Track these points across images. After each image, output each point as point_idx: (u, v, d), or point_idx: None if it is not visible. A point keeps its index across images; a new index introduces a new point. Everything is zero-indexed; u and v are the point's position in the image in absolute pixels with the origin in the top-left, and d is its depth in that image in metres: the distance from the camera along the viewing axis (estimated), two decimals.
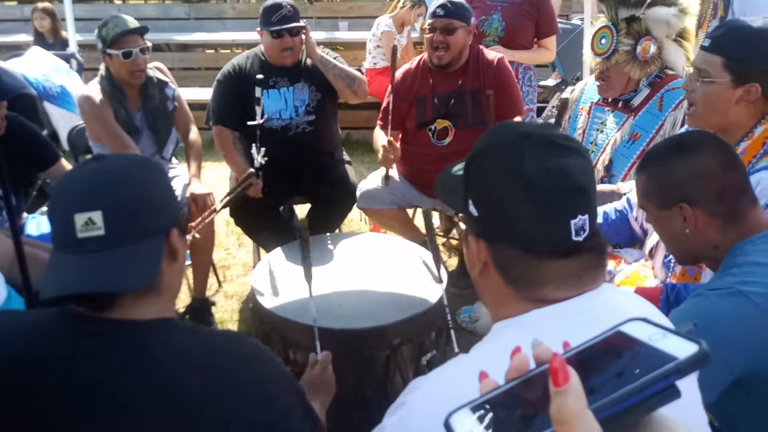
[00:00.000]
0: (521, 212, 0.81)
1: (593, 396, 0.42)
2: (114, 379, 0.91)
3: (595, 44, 2.31)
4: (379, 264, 2.18)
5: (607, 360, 0.46)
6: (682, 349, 0.44)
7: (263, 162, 2.41)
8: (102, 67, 2.63)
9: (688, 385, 0.85)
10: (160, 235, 0.99)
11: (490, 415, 0.45)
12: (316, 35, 5.93)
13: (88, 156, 3.17)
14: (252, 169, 2.34)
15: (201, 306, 2.81)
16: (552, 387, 0.41)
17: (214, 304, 2.94)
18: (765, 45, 1.59)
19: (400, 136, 2.92)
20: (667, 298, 1.54)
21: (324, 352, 1.54)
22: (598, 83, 2.37)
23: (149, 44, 2.62)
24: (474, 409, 0.46)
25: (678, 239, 1.36)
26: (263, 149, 2.42)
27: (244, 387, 0.96)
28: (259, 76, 2.52)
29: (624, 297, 0.94)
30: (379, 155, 2.67)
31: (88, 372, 0.91)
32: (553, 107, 4.85)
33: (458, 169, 0.97)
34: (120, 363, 0.92)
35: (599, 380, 0.44)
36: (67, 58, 4.35)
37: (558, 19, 5.32)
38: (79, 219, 0.93)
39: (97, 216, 0.93)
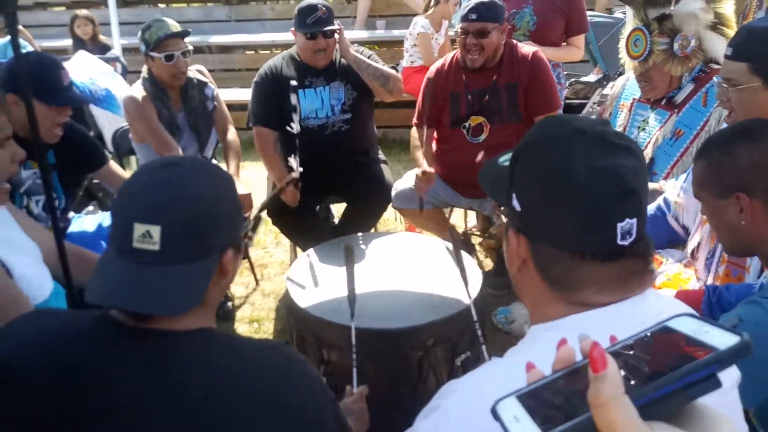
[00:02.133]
0: (566, 212, 0.79)
1: (635, 384, 0.44)
2: (151, 388, 0.91)
3: (630, 48, 2.25)
4: (413, 264, 2.17)
5: (655, 352, 0.48)
6: (723, 340, 0.45)
7: (300, 170, 2.46)
8: (144, 68, 2.71)
9: (729, 392, 0.82)
10: (213, 256, 0.98)
11: (536, 402, 0.47)
12: (354, 34, 5.95)
13: (132, 157, 3.27)
14: (295, 174, 2.36)
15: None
16: (591, 373, 0.43)
17: (231, 300, 3.01)
18: None
19: (435, 135, 2.91)
20: (709, 300, 1.50)
21: (360, 387, 1.51)
22: (640, 85, 2.31)
23: (190, 47, 2.68)
24: (520, 398, 0.48)
25: (732, 230, 1.32)
26: (298, 159, 2.47)
27: (280, 399, 0.95)
28: (293, 83, 2.55)
29: (668, 304, 0.90)
30: (414, 179, 2.66)
31: (125, 382, 0.91)
32: (594, 104, 4.75)
33: (505, 159, 0.94)
34: (158, 372, 0.92)
35: (643, 370, 0.46)
36: (111, 62, 4.48)
37: (600, 13, 5.23)
38: (138, 229, 0.92)
39: (155, 231, 0.92)
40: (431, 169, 2.63)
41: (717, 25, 2.16)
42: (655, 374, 0.45)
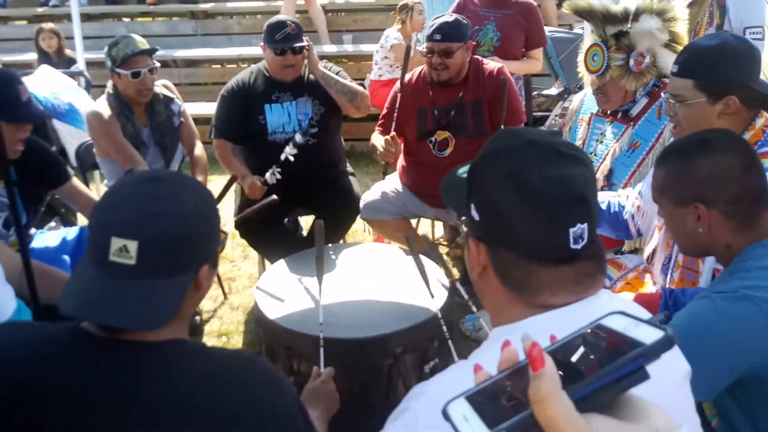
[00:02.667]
0: (521, 219, 0.83)
1: (571, 379, 0.48)
2: (125, 399, 0.91)
3: (588, 62, 2.33)
4: (382, 274, 2.20)
5: (587, 349, 0.51)
6: (650, 335, 0.49)
7: (276, 179, 2.62)
8: (109, 84, 2.69)
9: (680, 385, 0.87)
10: (190, 272, 0.98)
11: (483, 401, 0.50)
12: (322, 49, 5.99)
13: (96, 172, 3.23)
14: (275, 196, 2.51)
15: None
16: (531, 372, 0.47)
17: (199, 314, 2.99)
18: (725, 60, 1.65)
19: (402, 146, 2.95)
20: (665, 303, 1.55)
21: (328, 368, 1.54)
22: (596, 97, 2.39)
23: (157, 64, 2.68)
24: (468, 398, 0.51)
25: (689, 236, 1.36)
26: (277, 170, 2.61)
27: (253, 408, 0.96)
28: (298, 138, 2.62)
29: (621, 303, 0.95)
30: (380, 148, 2.68)
31: (100, 392, 0.92)
32: (556, 116, 4.87)
33: (463, 171, 0.98)
34: (132, 383, 0.93)
35: (579, 366, 0.50)
36: (75, 76, 4.42)
37: (560, 29, 5.38)
38: (115, 243, 0.92)
39: (132, 246, 0.92)
40: (392, 134, 2.66)
41: (670, 42, 2.25)
42: (589, 369, 0.48)
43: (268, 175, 2.62)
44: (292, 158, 2.57)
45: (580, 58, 2.39)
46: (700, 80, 1.65)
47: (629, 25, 2.24)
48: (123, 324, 0.93)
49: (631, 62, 2.24)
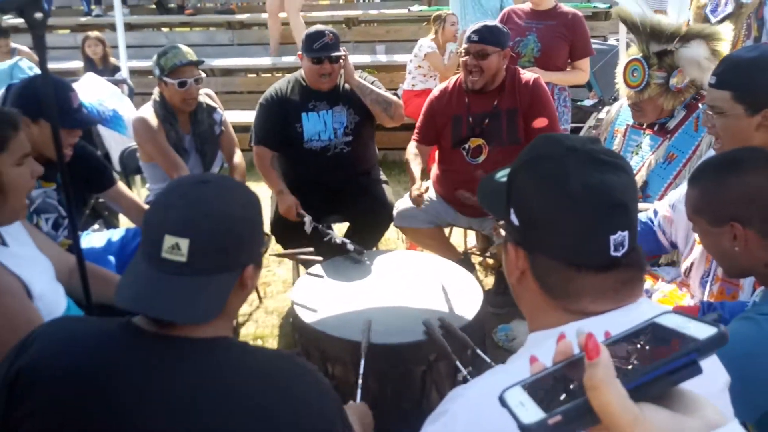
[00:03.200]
0: (561, 225, 0.83)
1: (625, 370, 0.50)
2: (172, 393, 0.95)
3: (627, 77, 2.30)
4: (415, 281, 2.22)
5: (643, 344, 0.54)
6: (703, 332, 0.51)
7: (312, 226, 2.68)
8: (156, 91, 2.79)
9: (719, 394, 0.87)
10: (236, 271, 1.02)
11: (539, 389, 0.53)
12: (355, 59, 6.06)
13: (138, 177, 3.32)
14: (313, 253, 2.43)
15: None
16: (586, 361, 0.49)
17: (235, 318, 3.02)
18: (763, 74, 1.63)
19: (437, 155, 2.97)
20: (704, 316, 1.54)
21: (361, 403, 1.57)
22: (632, 111, 2.37)
23: (203, 75, 2.77)
24: (525, 386, 0.54)
25: (727, 255, 1.35)
26: (313, 223, 2.69)
27: (296, 403, 0.99)
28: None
29: (661, 311, 0.95)
30: (413, 190, 2.68)
31: (148, 385, 0.96)
32: (590, 127, 4.84)
33: (501, 176, 0.99)
34: (178, 378, 0.97)
35: (633, 358, 0.52)
36: (118, 83, 4.56)
37: (595, 40, 5.35)
38: (168, 241, 0.97)
39: (184, 244, 0.97)
40: (424, 188, 2.65)
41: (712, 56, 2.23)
42: (643, 361, 0.51)
43: (307, 220, 2.69)
44: (335, 239, 2.55)
45: (619, 69, 2.38)
46: (738, 92, 1.64)
47: (675, 45, 2.21)
48: (173, 318, 0.98)
49: (672, 81, 2.21)
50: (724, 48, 2.18)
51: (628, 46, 2.94)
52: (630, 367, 0.51)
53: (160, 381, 0.96)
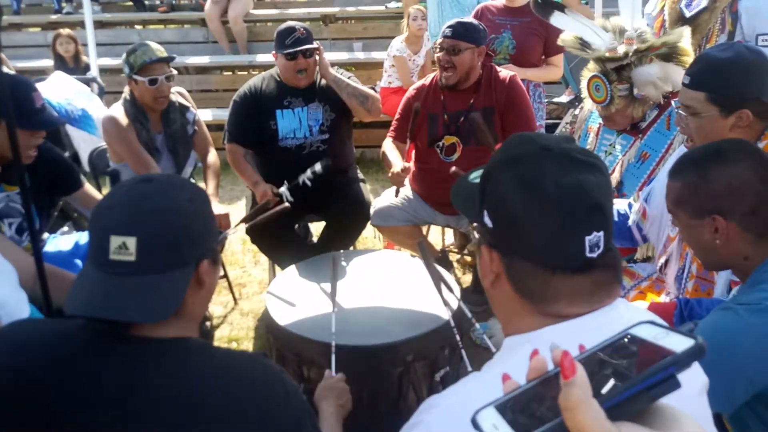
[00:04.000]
0: (535, 227, 0.81)
1: (602, 388, 0.48)
2: (131, 395, 0.93)
3: (592, 92, 2.28)
4: (392, 281, 2.20)
5: (617, 358, 0.52)
6: (680, 344, 0.49)
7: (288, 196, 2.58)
8: (126, 90, 2.72)
9: (697, 397, 0.85)
10: (189, 267, 1.00)
11: (512, 410, 0.50)
12: (332, 56, 6.02)
13: (107, 177, 3.25)
14: (287, 204, 2.37)
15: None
16: (562, 380, 0.47)
17: (210, 319, 2.99)
18: (738, 74, 1.62)
19: (413, 154, 2.95)
20: (681, 313, 1.54)
21: (339, 374, 1.55)
22: (603, 121, 2.35)
23: (174, 72, 2.71)
24: (498, 407, 0.51)
25: (707, 248, 1.35)
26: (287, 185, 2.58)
27: (257, 405, 0.97)
28: (318, 168, 2.54)
29: (637, 313, 0.94)
30: (393, 169, 2.66)
31: (106, 386, 0.93)
32: (567, 123, 4.86)
33: (475, 177, 0.97)
34: (138, 380, 0.94)
35: (610, 375, 0.50)
36: (88, 82, 4.46)
37: None
38: (114, 241, 0.95)
39: (131, 242, 0.95)
40: (407, 164, 2.64)
41: (673, 55, 2.21)
42: (620, 378, 0.48)
43: (283, 190, 2.60)
44: (309, 183, 2.53)
45: (583, 84, 2.34)
46: (713, 93, 1.62)
47: (630, 58, 2.18)
48: (126, 317, 0.95)
49: (635, 91, 2.20)
50: (684, 43, 2.17)
51: None
52: (607, 383, 0.48)
53: (116, 383, 0.94)
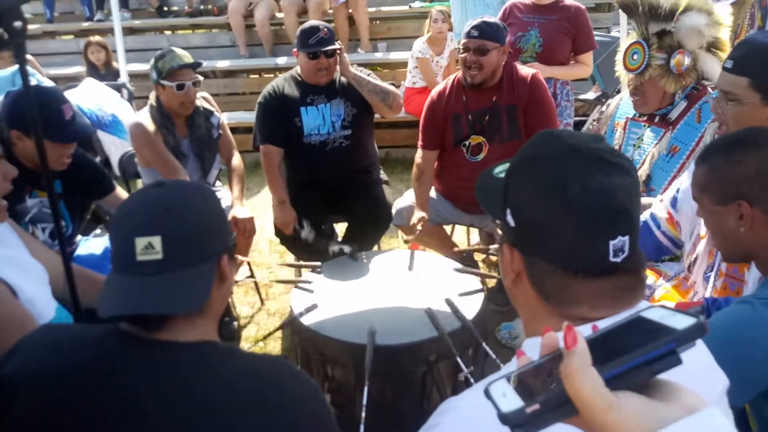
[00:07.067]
0: (559, 229, 0.79)
1: (606, 360, 0.51)
2: (155, 399, 0.94)
3: (627, 60, 2.27)
4: (416, 280, 2.20)
5: (625, 336, 0.55)
6: (683, 323, 0.51)
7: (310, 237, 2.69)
8: (152, 95, 2.77)
9: (718, 401, 0.84)
10: (212, 261, 1.03)
11: (522, 382, 0.55)
12: (356, 57, 6.04)
13: (138, 180, 3.32)
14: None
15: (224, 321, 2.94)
16: (564, 350, 0.52)
17: (237, 320, 3.04)
18: None
19: (437, 153, 2.95)
20: (708, 312, 1.51)
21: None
22: (632, 99, 2.33)
23: (201, 78, 2.76)
24: (509, 378, 0.56)
25: (730, 236, 1.32)
26: (310, 226, 2.69)
27: (278, 408, 0.98)
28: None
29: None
30: (413, 219, 2.72)
31: (132, 390, 0.95)
32: (593, 120, 4.80)
33: (500, 171, 0.95)
34: (162, 382, 0.96)
35: (614, 349, 0.53)
36: (118, 88, 4.57)
37: (598, 32, 5.30)
38: (140, 243, 0.97)
39: (156, 241, 0.97)
40: (422, 214, 2.70)
41: (712, 46, 2.19)
42: (623, 351, 0.52)
43: (305, 234, 2.69)
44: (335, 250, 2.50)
45: (619, 56, 2.34)
46: (758, 79, 1.55)
47: (673, 25, 2.19)
48: (163, 310, 0.97)
49: (672, 62, 2.18)
50: (724, 34, 2.14)
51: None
52: (611, 357, 0.51)
53: (146, 384, 0.95)
